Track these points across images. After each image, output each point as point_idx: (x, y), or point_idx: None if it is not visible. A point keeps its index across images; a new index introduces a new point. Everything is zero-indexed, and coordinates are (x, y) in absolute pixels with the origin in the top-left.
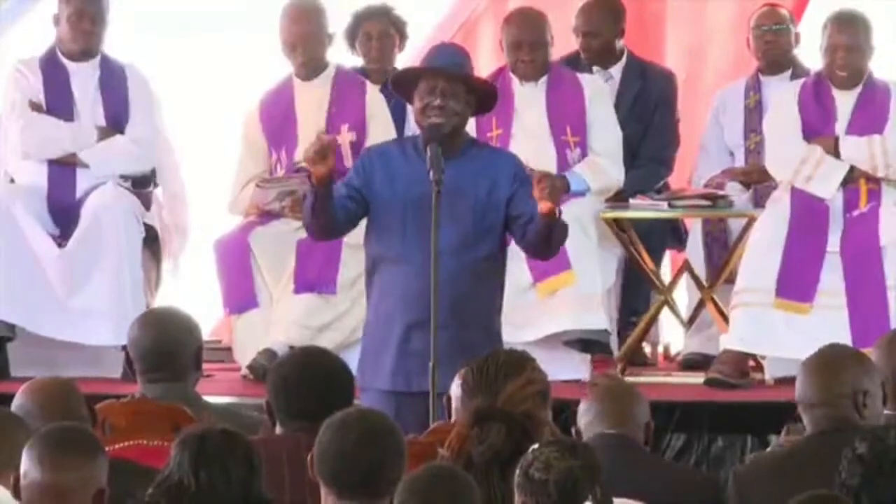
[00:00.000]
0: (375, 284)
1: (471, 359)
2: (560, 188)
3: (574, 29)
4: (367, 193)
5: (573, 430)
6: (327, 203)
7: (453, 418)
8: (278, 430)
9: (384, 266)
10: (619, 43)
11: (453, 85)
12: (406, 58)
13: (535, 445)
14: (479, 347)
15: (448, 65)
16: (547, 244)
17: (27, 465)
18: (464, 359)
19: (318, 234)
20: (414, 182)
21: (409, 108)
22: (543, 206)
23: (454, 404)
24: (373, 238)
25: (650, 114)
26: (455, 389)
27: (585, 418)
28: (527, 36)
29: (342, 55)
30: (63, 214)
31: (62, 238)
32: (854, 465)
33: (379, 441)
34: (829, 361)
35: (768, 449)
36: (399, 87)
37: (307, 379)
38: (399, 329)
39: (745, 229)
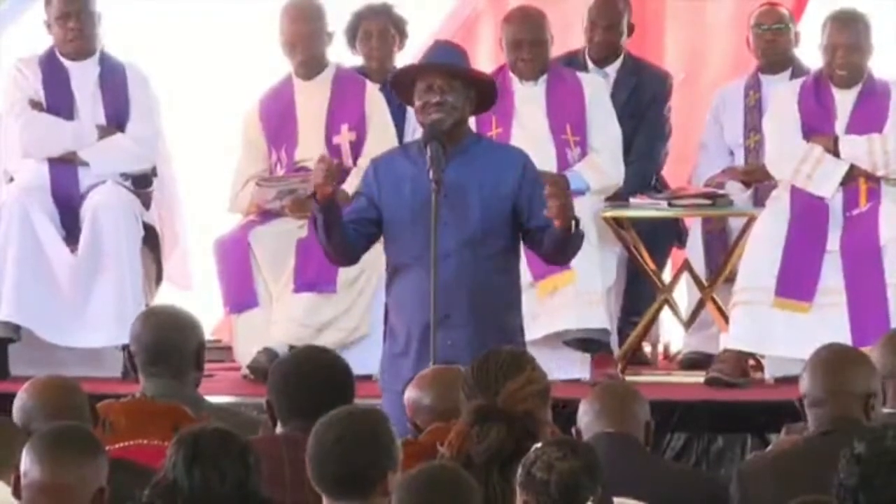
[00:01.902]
0: (393, 288)
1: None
2: (570, 200)
3: (591, 22)
4: (378, 204)
5: (573, 430)
6: (336, 222)
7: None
8: (279, 429)
9: (400, 270)
10: (625, 41)
11: (450, 80)
12: (406, 57)
13: (537, 445)
14: (498, 343)
15: (443, 61)
16: (563, 254)
17: (27, 464)
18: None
19: (336, 257)
20: (420, 184)
21: (410, 108)
22: (557, 222)
23: (410, 409)
24: (388, 244)
25: (642, 112)
26: (410, 392)
27: (586, 418)
28: (527, 35)
29: (342, 54)
30: (68, 213)
31: (69, 239)
32: (852, 465)
33: (357, 441)
34: (842, 360)
35: (768, 448)
36: (399, 90)
37: (308, 378)
38: (417, 330)
39: (745, 228)
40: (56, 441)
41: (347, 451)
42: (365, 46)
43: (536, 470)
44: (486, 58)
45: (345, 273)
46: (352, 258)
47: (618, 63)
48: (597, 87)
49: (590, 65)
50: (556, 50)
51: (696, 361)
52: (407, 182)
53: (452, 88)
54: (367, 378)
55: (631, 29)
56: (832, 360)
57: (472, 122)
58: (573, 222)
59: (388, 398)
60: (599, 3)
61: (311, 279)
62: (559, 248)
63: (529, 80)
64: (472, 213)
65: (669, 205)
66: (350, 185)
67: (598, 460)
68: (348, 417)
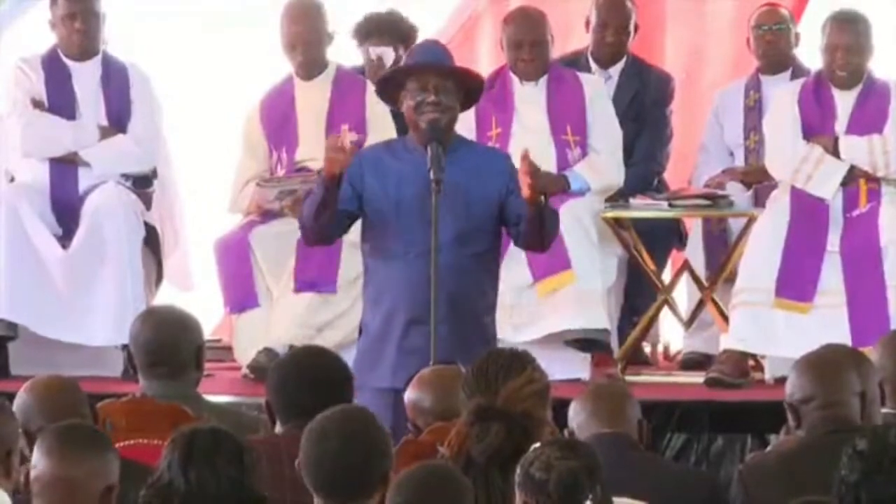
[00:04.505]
0: (372, 284)
1: (466, 354)
2: (540, 174)
3: (601, 23)
4: (361, 198)
5: (566, 432)
6: (332, 205)
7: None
8: (278, 429)
9: (381, 265)
10: (631, 42)
11: (444, 81)
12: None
13: (536, 445)
14: (474, 343)
15: (436, 61)
16: (538, 235)
17: (37, 457)
18: (459, 354)
19: (314, 235)
20: (406, 180)
21: None
22: (526, 193)
23: (410, 410)
24: (369, 239)
25: (644, 114)
26: (409, 393)
27: (578, 419)
28: (527, 35)
29: (343, 54)
30: (65, 213)
31: (65, 238)
32: (854, 461)
33: (358, 445)
34: (837, 361)
35: (768, 448)
36: (384, 91)
37: (307, 378)
38: (399, 326)
39: (745, 229)
40: (65, 435)
41: (350, 458)
42: (370, 60)
43: (535, 470)
44: (486, 58)
45: (345, 273)
46: (328, 241)
47: (621, 64)
48: (597, 87)
49: (593, 66)
50: (557, 51)
51: (696, 362)
52: (392, 178)
53: (447, 89)
54: None
55: (636, 29)
56: (831, 362)
57: (471, 122)
58: (541, 198)
59: (362, 396)
60: (610, 4)
61: (311, 279)
62: (534, 228)
63: (530, 80)
64: (460, 213)
65: (669, 205)
66: None
67: (597, 460)
68: (346, 424)
